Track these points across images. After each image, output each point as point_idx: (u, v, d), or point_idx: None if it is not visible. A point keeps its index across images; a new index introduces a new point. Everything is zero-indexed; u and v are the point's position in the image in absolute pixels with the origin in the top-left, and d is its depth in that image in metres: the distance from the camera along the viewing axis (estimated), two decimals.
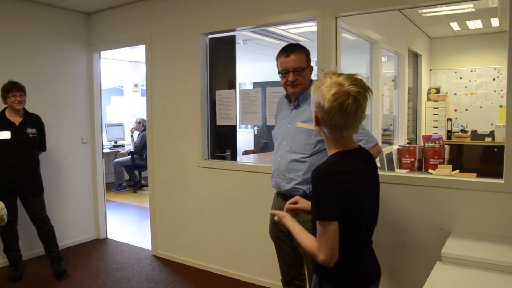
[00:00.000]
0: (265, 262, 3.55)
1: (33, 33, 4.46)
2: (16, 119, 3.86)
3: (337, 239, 1.48)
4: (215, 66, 4.07)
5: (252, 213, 3.68)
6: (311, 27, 4.70)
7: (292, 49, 2.37)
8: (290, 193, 2.32)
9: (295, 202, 1.91)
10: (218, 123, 3.97)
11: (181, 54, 4.10)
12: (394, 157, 4.76)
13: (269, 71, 8.51)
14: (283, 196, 2.41)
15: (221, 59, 4.17)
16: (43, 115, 4.19)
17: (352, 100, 1.46)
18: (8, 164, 3.65)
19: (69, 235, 4.79)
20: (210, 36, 4.01)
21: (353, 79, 1.50)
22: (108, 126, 8.52)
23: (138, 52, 7.17)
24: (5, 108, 3.86)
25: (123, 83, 9.56)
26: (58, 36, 4.70)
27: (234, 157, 4.17)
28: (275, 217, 1.79)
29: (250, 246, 3.75)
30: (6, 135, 3.68)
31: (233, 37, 4.19)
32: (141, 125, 8.00)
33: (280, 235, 2.46)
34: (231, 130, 4.20)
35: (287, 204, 1.91)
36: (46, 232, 4.03)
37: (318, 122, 1.56)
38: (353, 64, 5.44)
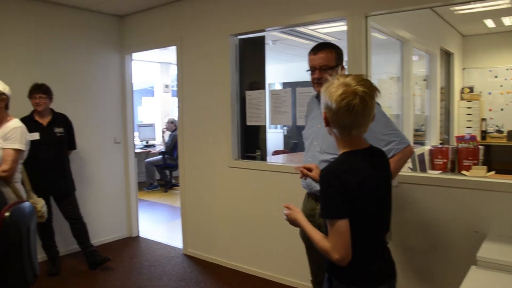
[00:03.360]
0: (295, 262, 3.54)
1: (68, 36, 4.59)
2: (44, 120, 3.99)
3: (349, 236, 1.50)
4: (244, 66, 4.09)
5: (282, 213, 3.67)
6: (340, 26, 4.67)
7: (321, 47, 2.39)
8: None
9: (310, 170, 2.01)
10: (248, 123, 3.99)
11: (211, 55, 4.14)
12: (426, 158, 4.68)
13: (299, 71, 8.48)
14: (313, 196, 2.40)
15: (250, 60, 4.19)
16: (77, 116, 4.31)
17: (359, 100, 1.49)
18: (38, 163, 3.74)
19: (102, 232, 4.91)
20: (239, 37, 4.03)
21: (360, 79, 1.53)
22: (139, 126, 8.68)
23: (169, 54, 7.29)
24: (33, 110, 3.99)
25: (153, 84, 9.72)
26: (92, 39, 4.82)
27: (264, 157, 4.18)
28: (284, 211, 1.84)
29: (280, 246, 3.75)
30: (35, 136, 3.79)
31: (263, 38, 4.20)
32: (173, 125, 8.11)
33: None
34: (261, 131, 4.22)
35: (301, 168, 2.02)
36: (79, 229, 4.17)
37: (327, 123, 1.60)
38: (383, 63, 5.38)
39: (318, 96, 2.49)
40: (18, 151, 2.91)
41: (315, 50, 2.39)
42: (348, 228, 1.50)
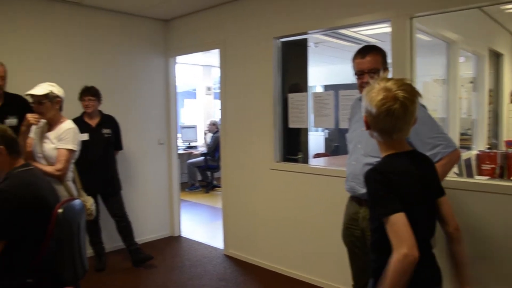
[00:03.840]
0: (336, 266, 3.53)
1: (116, 40, 4.76)
2: (93, 121, 4.14)
3: (410, 229, 1.44)
4: (287, 69, 4.10)
5: (324, 216, 3.66)
6: (383, 28, 4.59)
7: (368, 50, 2.35)
8: (365, 197, 2.29)
9: None
10: (290, 126, 4.00)
11: (254, 57, 4.18)
12: (473, 163, 4.53)
13: (341, 73, 8.44)
14: (357, 200, 2.39)
15: (293, 62, 4.20)
16: (124, 118, 4.44)
17: (399, 105, 1.49)
18: (87, 163, 3.85)
19: (145, 231, 5.03)
20: (282, 40, 4.05)
21: (401, 84, 1.53)
22: (182, 128, 8.83)
23: (211, 56, 7.39)
24: (83, 112, 4.15)
25: (196, 86, 9.88)
26: (137, 42, 4.97)
27: (306, 160, 4.17)
28: None
29: (321, 250, 3.74)
30: (84, 136, 3.93)
31: (305, 40, 4.21)
32: (215, 127, 8.22)
33: (354, 239, 2.43)
34: (303, 133, 4.22)
35: None
36: (124, 227, 4.30)
37: (368, 126, 1.61)
38: (427, 65, 5.25)
39: (362, 99, 2.47)
40: (71, 151, 3.05)
41: (362, 54, 2.35)
42: (406, 221, 1.45)
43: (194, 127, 9.23)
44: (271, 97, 4.03)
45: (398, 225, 1.45)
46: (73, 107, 3.97)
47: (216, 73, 9.55)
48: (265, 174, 4.16)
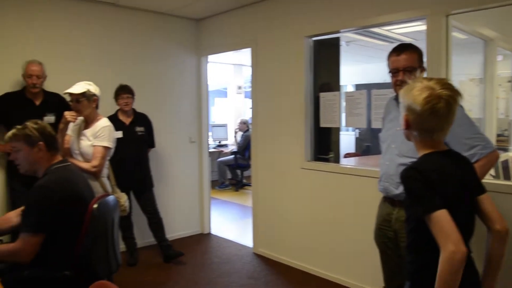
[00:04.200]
0: (367, 268, 3.49)
1: (149, 40, 4.84)
2: (127, 119, 4.21)
3: (454, 225, 1.41)
4: (318, 68, 4.08)
5: (355, 216, 3.63)
6: (417, 26, 4.51)
7: (404, 48, 2.32)
8: (398, 198, 2.26)
9: None
10: (321, 125, 3.98)
11: (286, 56, 4.18)
12: (510, 165, 4.39)
13: (373, 73, 8.32)
14: (390, 200, 2.35)
15: (324, 61, 4.18)
16: (156, 116, 4.51)
17: (444, 104, 1.49)
18: (121, 161, 3.92)
19: (176, 228, 5.10)
20: (314, 38, 4.03)
21: (444, 83, 1.52)
22: (212, 126, 8.90)
23: (242, 55, 7.42)
24: (117, 110, 4.23)
25: (226, 85, 9.93)
26: (170, 42, 5.04)
27: (337, 159, 4.14)
28: None
29: (352, 250, 3.70)
30: (118, 134, 4.00)
31: (337, 39, 4.17)
32: (245, 126, 8.24)
33: (386, 240, 2.40)
34: (334, 132, 4.19)
35: None
36: (155, 223, 4.37)
37: (408, 125, 1.59)
38: (463, 64, 5.12)
39: (397, 98, 2.43)
40: (106, 148, 3.12)
41: (398, 51, 2.32)
42: (449, 217, 1.42)
43: (224, 125, 9.29)
44: (303, 96, 4.02)
45: (442, 222, 1.42)
46: (107, 105, 4.05)
47: (247, 72, 9.57)
48: (296, 173, 4.15)
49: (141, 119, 4.34)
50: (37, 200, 2.18)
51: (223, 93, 10.30)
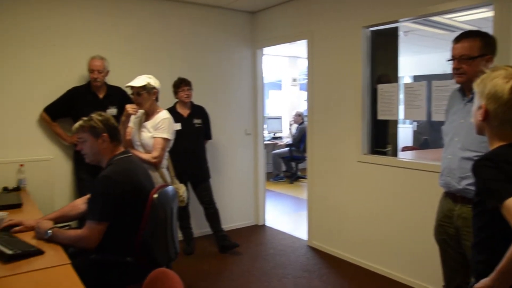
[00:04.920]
0: (424, 264, 3.40)
1: (204, 33, 4.92)
2: (185, 112, 4.30)
3: None
4: (376, 59, 3.99)
5: (413, 212, 3.53)
6: (481, 13, 4.29)
7: (465, 36, 2.23)
8: (461, 193, 2.18)
9: None
10: (379, 117, 3.89)
11: (342, 48, 4.11)
12: None
13: (432, 63, 8.01)
14: (452, 196, 2.27)
15: (382, 52, 4.07)
16: (212, 108, 4.59)
17: None
18: (179, 152, 3.99)
19: (231, 219, 5.18)
20: (371, 29, 3.94)
21: None
22: (267, 119, 8.93)
23: (297, 48, 7.38)
24: (176, 103, 4.32)
25: (281, 77, 9.92)
26: (226, 34, 5.10)
27: (395, 153, 4.04)
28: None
29: (409, 247, 3.61)
30: (177, 126, 4.09)
31: (395, 29, 4.05)
32: (300, 118, 8.22)
33: (446, 238, 2.31)
34: (392, 125, 4.09)
35: None
36: (212, 213, 4.45)
37: (486, 116, 1.50)
38: None
39: (461, 89, 2.33)
40: (166, 140, 3.22)
41: (458, 38, 2.24)
42: None
43: (279, 118, 9.30)
44: (360, 88, 3.94)
45: None
46: (165, 98, 4.15)
47: (302, 64, 9.51)
48: (352, 166, 4.09)
49: (199, 112, 4.42)
50: (102, 190, 2.28)
51: (277, 86, 10.30)
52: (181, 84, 4.21)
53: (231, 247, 4.43)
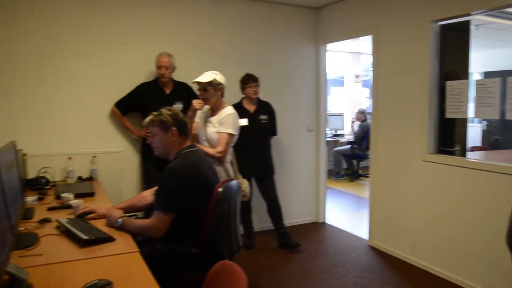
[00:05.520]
0: (490, 270, 3.24)
1: (268, 30, 4.96)
2: (251, 107, 4.33)
3: None
4: (444, 54, 3.83)
5: (483, 215, 3.36)
6: None
7: None
8: None
9: None
10: (447, 115, 3.74)
11: (409, 43, 3.99)
12: None
13: (506, 58, 7.56)
14: None
15: (451, 47, 3.91)
16: (274, 104, 4.60)
17: None
18: (245, 148, 4.05)
19: (291, 215, 5.19)
20: (440, 23, 3.79)
21: None
22: (329, 115, 8.85)
23: (360, 43, 7.24)
24: (242, 98, 4.37)
25: (343, 74, 9.78)
26: (289, 31, 5.11)
27: (463, 153, 3.87)
28: None
29: (476, 251, 3.45)
30: (243, 122, 4.14)
31: (467, 23, 3.86)
32: (362, 115, 8.07)
33: None
34: (460, 124, 3.92)
35: None
36: (275, 210, 4.47)
37: None
38: None
39: None
40: (230, 135, 3.28)
41: None
42: None
43: (341, 115, 9.18)
44: (427, 85, 3.81)
45: None
46: (230, 93, 4.23)
47: (365, 60, 9.32)
48: (417, 166, 3.97)
49: (265, 107, 4.43)
50: (169, 182, 2.37)
51: (339, 82, 10.17)
52: (249, 80, 4.24)
53: (293, 246, 4.42)
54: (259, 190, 4.48)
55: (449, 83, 3.72)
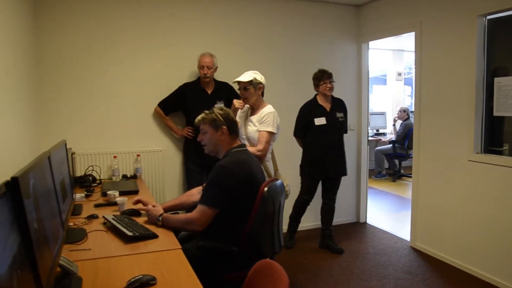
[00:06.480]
0: None
1: (309, 28, 4.94)
2: (327, 105, 4.22)
3: None
4: (492, 50, 3.69)
5: None
6: None
7: None
8: None
9: None
10: (495, 113, 3.60)
11: (454, 39, 3.87)
12: None
13: None
14: None
15: (500, 42, 3.76)
16: None
17: None
18: (324, 147, 4.01)
19: None
20: (488, 17, 3.65)
21: None
22: (370, 114, 8.71)
23: (402, 41, 7.08)
24: (316, 95, 4.29)
25: (385, 72, 9.60)
26: (331, 29, 5.07)
27: None
28: None
29: None
30: (322, 121, 4.08)
31: None
32: (405, 114, 7.90)
33: None
34: (510, 122, 3.77)
35: None
36: (328, 210, 4.42)
37: None
38: None
39: None
40: (270, 134, 3.29)
41: None
42: None
43: (383, 113, 9.02)
44: (473, 81, 3.69)
45: None
46: (269, 92, 4.22)
47: (408, 57, 9.11)
48: (463, 166, 3.84)
49: (340, 105, 4.32)
50: (218, 178, 2.41)
51: (381, 80, 9.98)
52: (322, 77, 4.15)
53: (336, 251, 4.34)
54: (322, 188, 4.40)
55: (497, 80, 3.58)
